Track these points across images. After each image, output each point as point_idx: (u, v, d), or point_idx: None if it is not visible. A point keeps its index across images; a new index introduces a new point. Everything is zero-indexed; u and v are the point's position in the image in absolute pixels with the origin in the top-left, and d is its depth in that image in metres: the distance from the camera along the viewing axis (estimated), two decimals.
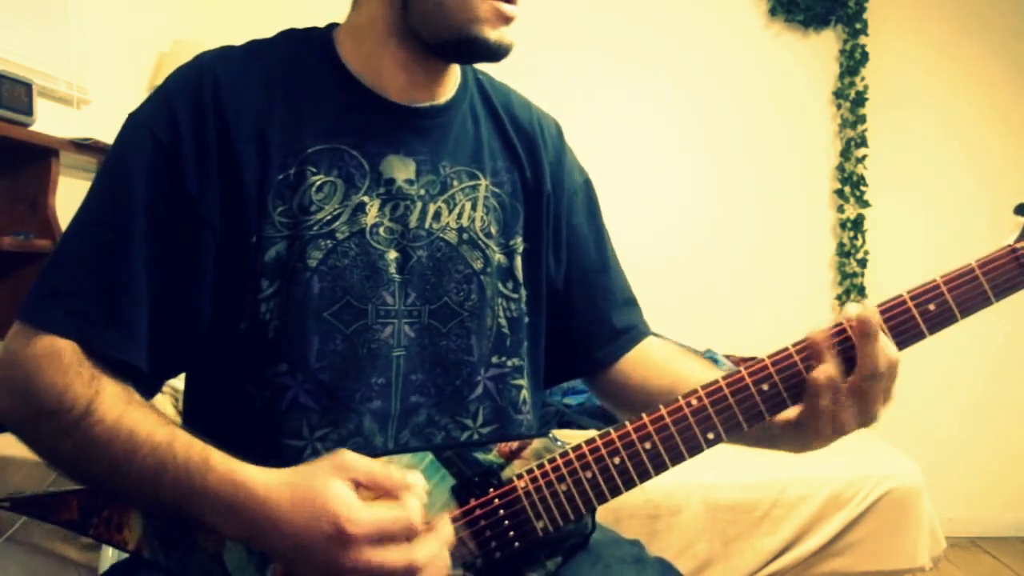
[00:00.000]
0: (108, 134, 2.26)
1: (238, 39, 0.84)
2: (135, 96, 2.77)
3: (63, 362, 0.70)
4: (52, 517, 0.71)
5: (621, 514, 1.59)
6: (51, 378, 0.69)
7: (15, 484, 1.60)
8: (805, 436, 0.78)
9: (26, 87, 2.04)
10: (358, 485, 0.66)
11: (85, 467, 0.70)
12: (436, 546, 0.67)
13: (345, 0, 0.85)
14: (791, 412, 0.77)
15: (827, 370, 0.72)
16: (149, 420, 0.69)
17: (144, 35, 2.83)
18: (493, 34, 0.79)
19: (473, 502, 0.74)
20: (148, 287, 0.74)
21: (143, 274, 0.74)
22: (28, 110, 2.04)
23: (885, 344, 0.72)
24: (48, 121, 2.20)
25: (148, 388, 0.78)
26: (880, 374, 0.72)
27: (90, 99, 2.48)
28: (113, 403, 0.69)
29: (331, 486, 0.64)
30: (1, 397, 0.72)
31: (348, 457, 0.67)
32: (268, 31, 0.86)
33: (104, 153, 2.26)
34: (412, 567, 0.64)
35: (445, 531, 0.69)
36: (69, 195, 2.25)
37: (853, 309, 0.73)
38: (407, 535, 0.65)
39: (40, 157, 2.12)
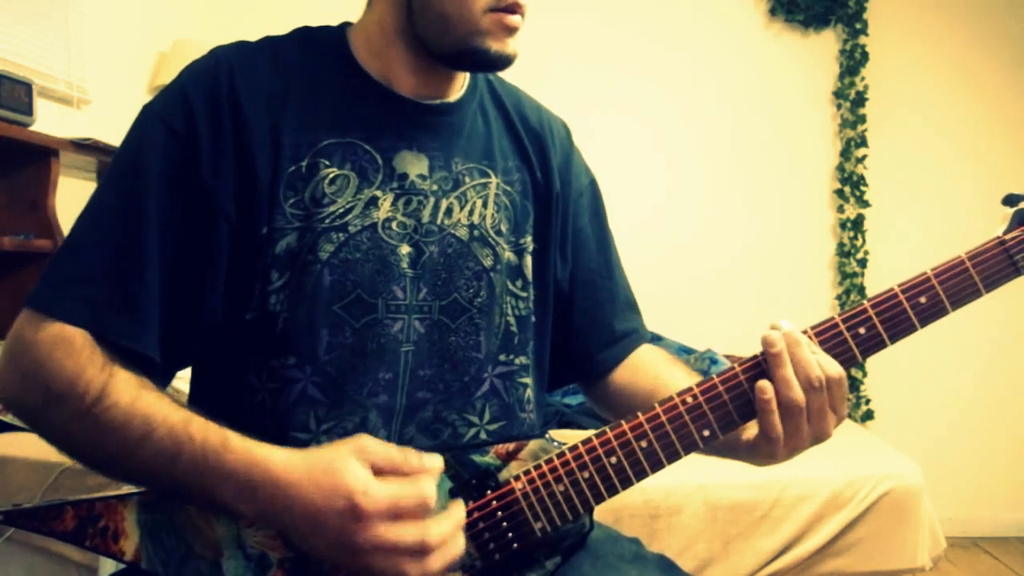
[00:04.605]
0: (108, 134, 2.27)
1: (239, 39, 0.84)
2: (135, 96, 2.77)
3: (75, 347, 0.69)
4: (47, 528, 0.70)
5: (621, 514, 1.58)
6: (63, 362, 0.69)
7: (15, 484, 1.60)
8: (762, 456, 0.78)
9: (26, 87, 2.04)
10: (377, 469, 0.66)
11: (97, 451, 0.70)
12: (449, 527, 0.67)
13: (347, 2, 0.85)
14: (750, 432, 0.78)
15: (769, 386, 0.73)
16: (163, 403, 0.69)
17: (144, 35, 2.83)
18: (495, 45, 0.79)
19: (471, 504, 0.74)
20: (161, 276, 0.74)
21: (156, 263, 0.74)
22: (28, 110, 2.04)
23: (808, 365, 0.72)
24: (48, 121, 2.21)
25: (160, 379, 0.78)
26: (812, 390, 0.72)
27: (90, 99, 2.48)
28: (127, 387, 0.69)
29: (347, 463, 0.65)
30: (11, 383, 0.72)
31: (367, 440, 0.68)
32: (269, 31, 0.87)
33: (104, 153, 2.26)
34: (425, 545, 0.65)
35: (458, 514, 0.69)
36: (69, 195, 2.25)
37: (772, 333, 0.73)
38: (421, 512, 0.65)
39: (40, 157, 2.12)
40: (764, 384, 0.73)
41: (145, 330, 0.74)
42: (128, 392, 0.69)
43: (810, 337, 0.74)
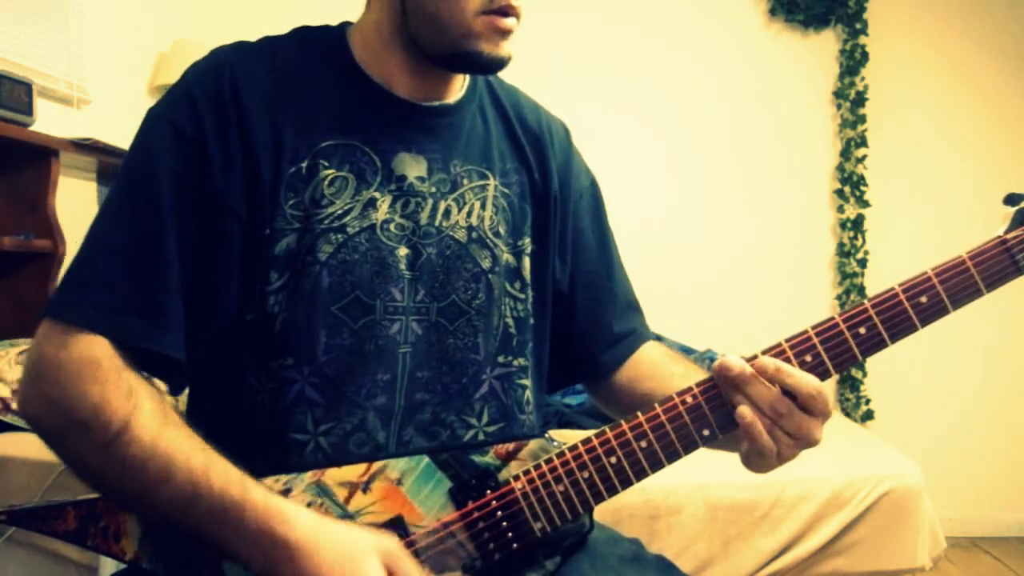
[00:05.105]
0: (108, 134, 2.27)
1: (239, 39, 0.84)
2: (135, 96, 2.77)
3: (100, 371, 0.68)
4: (48, 528, 0.70)
5: (621, 514, 1.59)
6: (88, 388, 0.67)
7: (15, 484, 1.60)
8: (755, 468, 0.77)
9: (26, 87, 2.04)
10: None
11: (115, 485, 0.69)
12: None
13: (346, 2, 0.85)
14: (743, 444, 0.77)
15: (749, 408, 0.72)
16: (186, 444, 0.68)
17: (144, 35, 2.83)
18: (488, 48, 0.78)
19: (471, 504, 0.74)
20: (180, 277, 0.74)
21: (175, 265, 0.73)
22: (28, 110, 2.04)
23: (762, 399, 0.71)
24: (48, 121, 2.21)
25: (185, 379, 0.78)
26: (778, 417, 0.71)
27: (90, 99, 2.48)
28: (150, 422, 0.68)
29: (371, 559, 0.66)
30: (33, 403, 0.70)
31: (396, 545, 0.69)
32: (269, 31, 0.87)
33: (104, 153, 2.26)
34: None
35: None
36: (69, 195, 2.25)
37: (720, 362, 0.72)
38: None
39: (40, 157, 2.12)
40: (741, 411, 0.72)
41: (168, 332, 0.73)
42: (150, 428, 0.68)
43: (785, 351, 0.73)
